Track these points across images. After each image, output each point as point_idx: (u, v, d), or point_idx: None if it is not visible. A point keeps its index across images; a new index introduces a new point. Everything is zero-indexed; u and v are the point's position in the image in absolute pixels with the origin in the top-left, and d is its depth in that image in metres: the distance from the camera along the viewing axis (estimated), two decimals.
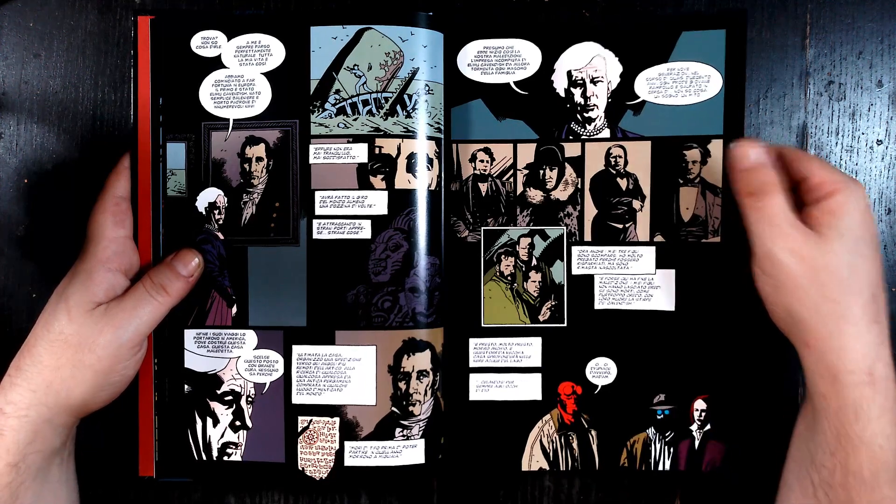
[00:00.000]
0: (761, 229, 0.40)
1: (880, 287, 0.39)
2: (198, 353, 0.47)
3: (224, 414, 0.47)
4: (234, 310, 0.47)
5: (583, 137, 0.48)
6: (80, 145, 0.49)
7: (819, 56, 0.48)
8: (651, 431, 0.48)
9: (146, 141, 0.46)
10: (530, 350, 0.48)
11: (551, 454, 0.48)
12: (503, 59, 0.47)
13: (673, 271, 0.47)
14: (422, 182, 0.46)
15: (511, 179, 0.48)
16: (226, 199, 0.47)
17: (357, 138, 0.46)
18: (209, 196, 0.47)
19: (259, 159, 0.46)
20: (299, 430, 0.47)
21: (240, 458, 0.47)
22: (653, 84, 0.47)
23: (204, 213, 0.47)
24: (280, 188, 0.46)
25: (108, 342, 0.41)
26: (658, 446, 0.48)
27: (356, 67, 0.46)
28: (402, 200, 0.46)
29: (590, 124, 0.47)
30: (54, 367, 0.41)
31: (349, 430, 0.46)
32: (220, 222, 0.47)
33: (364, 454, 0.46)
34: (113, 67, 0.48)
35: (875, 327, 0.38)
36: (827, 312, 0.38)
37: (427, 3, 0.48)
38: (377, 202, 0.46)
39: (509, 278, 0.48)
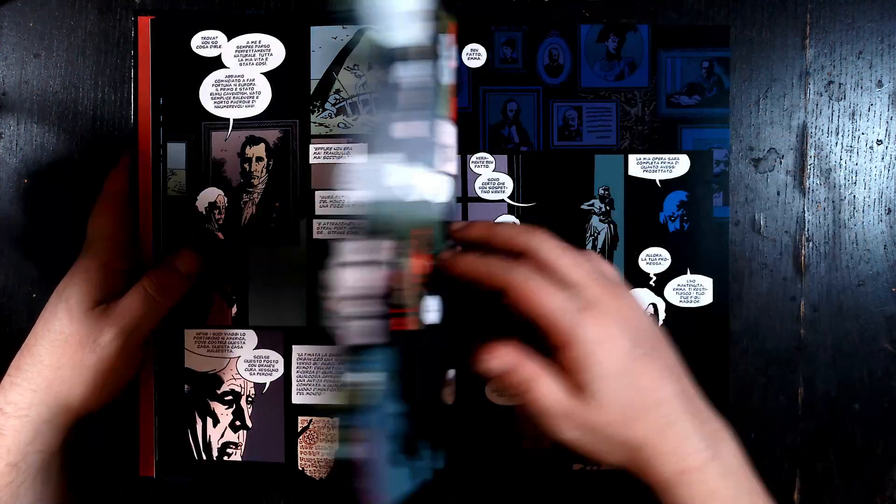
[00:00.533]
0: (544, 423, 0.36)
1: (680, 373, 0.37)
2: (198, 353, 0.47)
3: (224, 414, 0.47)
4: (234, 310, 0.47)
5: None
6: (80, 145, 0.49)
7: (819, 56, 0.48)
8: None
9: (146, 141, 0.46)
10: None
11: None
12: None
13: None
14: None
15: None
16: (226, 198, 0.47)
17: (357, 138, 0.46)
18: (209, 196, 0.47)
19: (259, 159, 0.46)
20: (299, 430, 0.47)
21: (240, 458, 0.47)
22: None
23: (204, 213, 0.47)
24: (280, 188, 0.46)
25: (109, 342, 0.41)
26: None
27: (356, 67, 0.46)
28: None
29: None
30: (55, 366, 0.41)
31: None
32: (220, 222, 0.47)
33: None
34: (113, 67, 0.48)
35: (688, 417, 0.36)
36: (653, 448, 0.35)
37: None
38: None
39: None
